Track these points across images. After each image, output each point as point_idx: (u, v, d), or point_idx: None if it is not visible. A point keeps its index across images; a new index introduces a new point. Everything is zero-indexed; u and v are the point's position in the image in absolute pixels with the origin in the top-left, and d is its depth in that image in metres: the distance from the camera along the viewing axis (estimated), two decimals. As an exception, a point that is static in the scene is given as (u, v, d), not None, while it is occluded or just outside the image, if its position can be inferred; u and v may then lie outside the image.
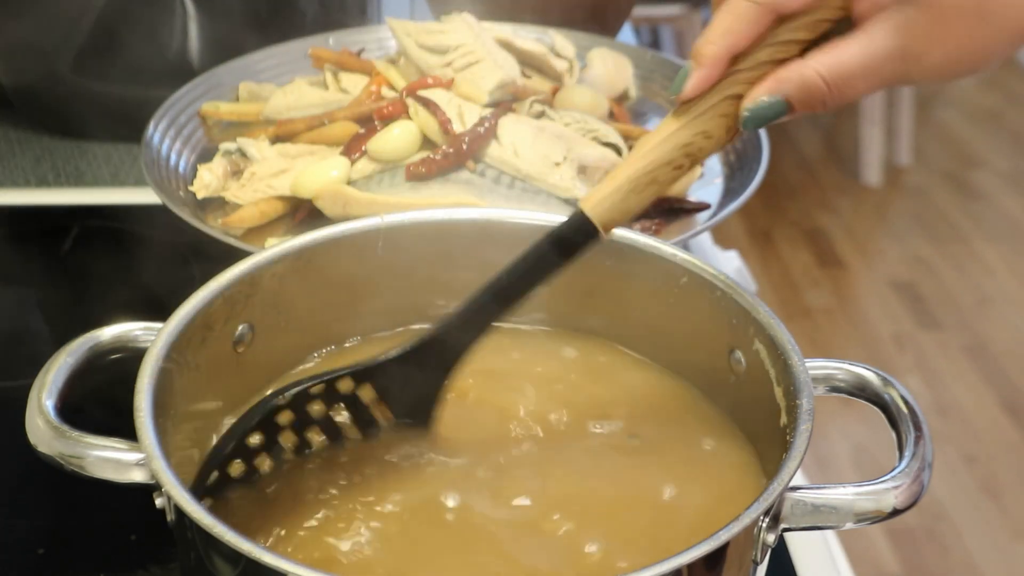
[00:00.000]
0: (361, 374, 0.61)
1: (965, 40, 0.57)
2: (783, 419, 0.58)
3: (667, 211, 0.89)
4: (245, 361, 0.66)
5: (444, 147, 0.86)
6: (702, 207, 0.90)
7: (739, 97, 0.58)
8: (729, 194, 0.91)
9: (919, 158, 3.40)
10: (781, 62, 0.58)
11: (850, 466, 2.31)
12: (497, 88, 0.93)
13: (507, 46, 0.99)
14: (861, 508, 0.54)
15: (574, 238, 0.60)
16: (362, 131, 0.89)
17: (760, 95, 0.57)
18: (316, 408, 0.61)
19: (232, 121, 0.99)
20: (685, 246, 0.77)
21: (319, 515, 0.59)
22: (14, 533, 0.72)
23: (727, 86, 0.58)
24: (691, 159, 0.59)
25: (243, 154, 0.91)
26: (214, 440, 0.64)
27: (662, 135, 0.59)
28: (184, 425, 0.61)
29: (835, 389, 0.61)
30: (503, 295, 0.61)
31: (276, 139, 0.93)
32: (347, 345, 0.71)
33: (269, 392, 0.62)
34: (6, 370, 0.84)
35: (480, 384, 0.68)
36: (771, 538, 0.53)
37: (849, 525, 0.54)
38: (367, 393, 0.62)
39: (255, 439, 0.59)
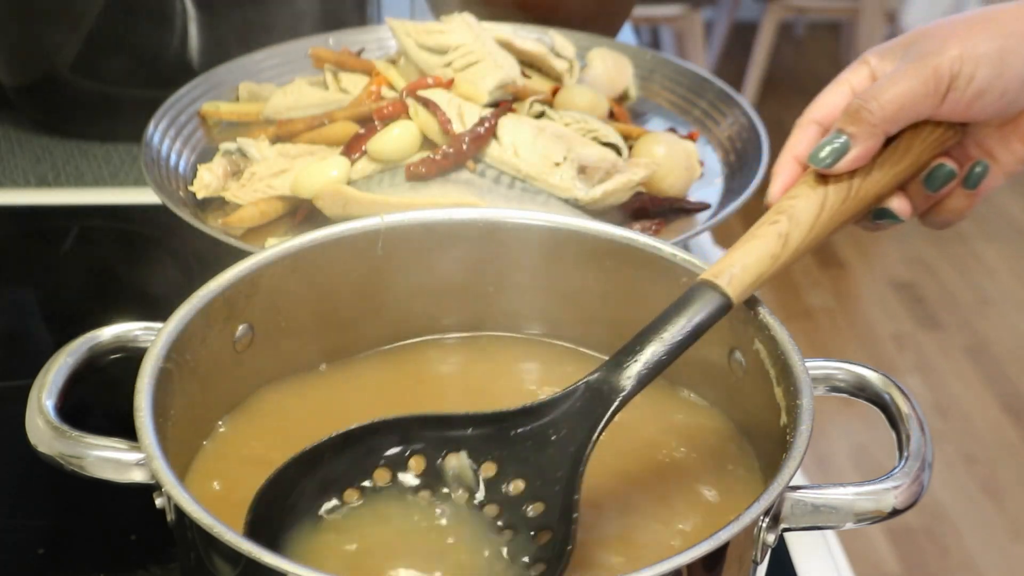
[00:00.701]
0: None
1: None
2: (783, 419, 0.58)
3: (667, 211, 0.89)
4: (245, 361, 0.66)
5: (444, 147, 0.86)
6: (702, 207, 0.90)
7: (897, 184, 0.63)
8: (729, 194, 0.91)
9: (919, 158, 3.40)
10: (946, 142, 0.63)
11: (850, 466, 2.31)
12: (497, 88, 0.93)
13: (507, 46, 0.99)
14: (861, 508, 0.54)
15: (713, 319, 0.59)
16: (362, 131, 0.89)
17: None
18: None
19: (232, 121, 0.99)
20: (685, 246, 0.77)
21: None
22: (14, 533, 0.72)
23: (893, 160, 0.62)
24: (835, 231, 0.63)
25: (243, 154, 0.91)
26: (212, 441, 0.64)
27: (813, 214, 0.61)
28: (184, 425, 0.61)
29: (835, 389, 0.61)
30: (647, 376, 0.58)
31: (276, 139, 0.93)
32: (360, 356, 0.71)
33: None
34: (6, 370, 0.84)
35: (478, 381, 0.68)
36: (771, 538, 0.53)
37: (849, 525, 0.54)
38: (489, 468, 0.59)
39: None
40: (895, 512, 0.54)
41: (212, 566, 0.51)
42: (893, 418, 0.59)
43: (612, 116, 0.97)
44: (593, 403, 0.57)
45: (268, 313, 0.66)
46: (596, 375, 0.57)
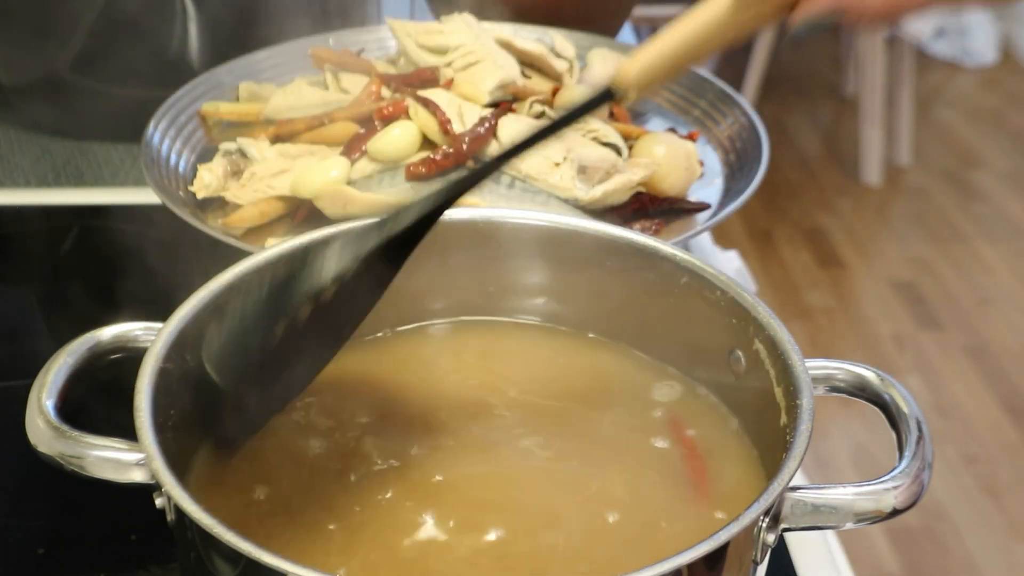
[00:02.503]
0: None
1: None
2: (783, 419, 0.58)
3: (667, 211, 0.89)
4: (245, 361, 0.66)
5: (444, 147, 0.86)
6: (702, 207, 0.90)
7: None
8: (729, 194, 0.91)
9: (919, 158, 3.40)
10: None
11: (850, 466, 2.31)
12: (497, 88, 0.93)
13: (507, 46, 0.99)
14: (861, 508, 0.54)
15: (602, 97, 0.60)
16: (362, 131, 0.89)
17: (816, 11, 0.59)
18: None
19: (232, 121, 0.99)
20: (685, 246, 0.77)
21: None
22: (14, 533, 0.72)
23: None
24: (731, 44, 0.61)
25: (243, 154, 0.91)
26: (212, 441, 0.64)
27: (714, 17, 0.59)
28: (184, 425, 0.61)
29: (835, 389, 0.61)
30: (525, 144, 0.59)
31: (276, 139, 0.93)
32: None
33: None
34: (6, 370, 0.84)
35: (477, 379, 0.68)
36: (771, 538, 0.53)
37: (849, 525, 0.54)
38: None
39: None
40: (895, 512, 0.54)
41: (212, 566, 0.51)
42: (893, 418, 0.59)
43: (612, 116, 0.97)
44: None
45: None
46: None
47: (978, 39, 3.86)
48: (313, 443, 0.64)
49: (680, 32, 0.60)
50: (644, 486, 0.62)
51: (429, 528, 0.58)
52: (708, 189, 0.92)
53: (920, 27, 3.23)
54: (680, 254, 0.67)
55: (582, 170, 0.87)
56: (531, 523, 0.59)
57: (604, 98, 0.60)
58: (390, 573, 0.56)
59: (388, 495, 0.60)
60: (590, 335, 0.72)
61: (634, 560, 0.50)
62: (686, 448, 0.64)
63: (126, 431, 0.54)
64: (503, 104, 0.92)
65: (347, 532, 0.58)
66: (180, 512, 0.51)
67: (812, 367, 0.60)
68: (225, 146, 0.93)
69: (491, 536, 0.58)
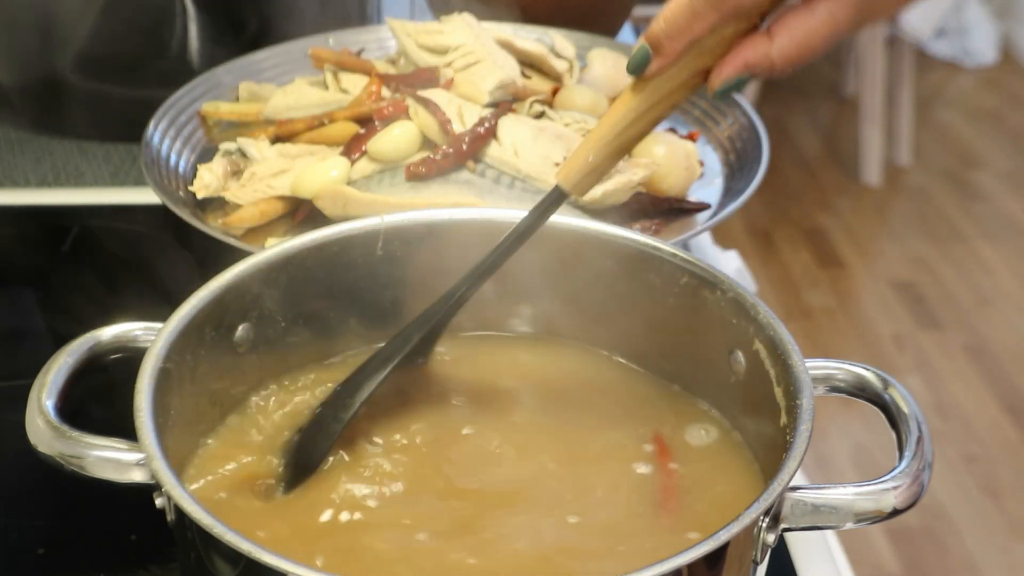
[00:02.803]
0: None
1: None
2: (783, 419, 0.58)
3: (667, 211, 0.89)
4: (245, 361, 0.66)
5: (444, 147, 0.86)
6: (702, 207, 0.90)
7: (704, 71, 0.61)
8: (729, 194, 0.91)
9: (919, 158, 3.40)
10: (743, 32, 0.60)
11: (850, 466, 2.31)
12: (497, 88, 0.93)
13: (507, 46, 0.99)
14: (861, 508, 0.54)
15: (551, 208, 0.64)
16: (362, 131, 0.89)
17: (728, 75, 0.60)
18: None
19: (232, 121, 0.99)
20: (685, 246, 0.77)
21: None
22: (14, 533, 0.72)
23: (692, 61, 0.61)
24: (654, 126, 0.64)
25: (243, 154, 0.91)
26: (212, 441, 0.64)
27: (630, 111, 0.62)
28: (184, 425, 0.61)
29: (835, 389, 0.61)
30: (489, 270, 0.65)
31: (276, 139, 0.93)
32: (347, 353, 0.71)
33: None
34: (6, 370, 0.84)
35: (478, 375, 0.68)
36: (771, 538, 0.53)
37: (849, 525, 0.54)
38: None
39: None
40: (895, 512, 0.54)
41: (212, 566, 0.51)
42: (893, 418, 0.59)
43: (612, 116, 0.97)
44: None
45: (268, 313, 0.66)
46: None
47: (978, 39, 3.86)
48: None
49: (603, 130, 0.63)
50: (618, 501, 0.62)
51: (415, 537, 0.58)
52: (708, 189, 0.92)
53: (920, 27, 3.23)
54: (680, 254, 0.66)
55: (582, 170, 0.86)
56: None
57: (557, 200, 0.64)
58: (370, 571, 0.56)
59: (377, 502, 0.60)
60: (589, 335, 0.72)
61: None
62: (664, 473, 0.64)
63: (126, 431, 0.54)
64: (503, 104, 0.92)
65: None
66: (180, 512, 0.51)
67: (812, 367, 0.60)
68: (225, 146, 0.93)
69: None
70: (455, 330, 0.72)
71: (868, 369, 0.61)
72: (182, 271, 0.92)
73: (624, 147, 0.63)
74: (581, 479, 0.62)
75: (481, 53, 0.95)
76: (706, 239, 1.12)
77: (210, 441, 0.64)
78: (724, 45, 0.61)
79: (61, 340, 0.60)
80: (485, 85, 0.92)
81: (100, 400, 0.64)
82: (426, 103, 0.88)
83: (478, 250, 0.69)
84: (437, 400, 0.68)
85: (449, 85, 0.92)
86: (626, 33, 1.31)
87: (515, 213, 0.70)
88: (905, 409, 0.58)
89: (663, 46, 0.60)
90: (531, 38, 1.04)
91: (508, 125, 0.88)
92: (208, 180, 0.88)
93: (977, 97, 3.75)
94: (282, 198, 0.87)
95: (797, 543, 0.75)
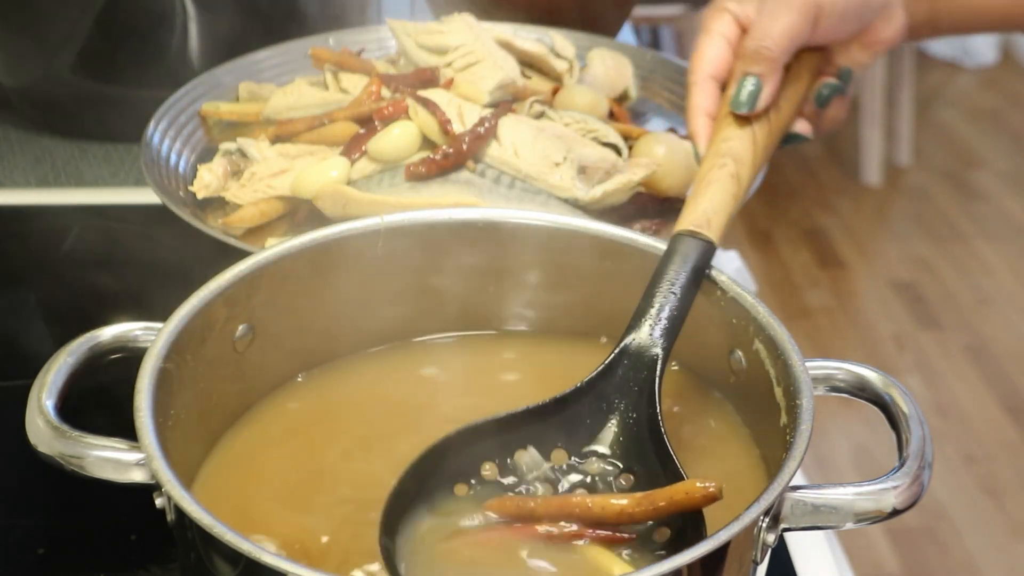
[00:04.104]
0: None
1: None
2: (783, 419, 0.58)
3: (667, 211, 0.89)
4: (245, 361, 0.66)
5: (444, 147, 0.86)
6: (702, 207, 0.90)
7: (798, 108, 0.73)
8: (729, 194, 0.90)
9: (919, 158, 3.40)
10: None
11: (850, 466, 2.31)
12: (497, 88, 0.93)
13: (507, 46, 0.99)
14: (861, 508, 0.54)
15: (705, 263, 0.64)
16: (362, 131, 0.89)
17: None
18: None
19: (232, 121, 0.99)
20: (685, 246, 0.77)
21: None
22: (14, 533, 0.72)
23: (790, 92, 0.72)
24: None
25: (243, 154, 0.91)
26: (213, 440, 0.64)
27: (751, 151, 0.68)
28: (184, 425, 0.61)
29: (835, 389, 0.61)
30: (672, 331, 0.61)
31: (276, 139, 0.93)
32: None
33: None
34: (6, 370, 0.84)
35: (481, 378, 0.68)
36: (771, 538, 0.53)
37: (849, 525, 0.54)
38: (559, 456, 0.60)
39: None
40: (895, 512, 0.54)
41: (212, 566, 0.51)
42: (893, 418, 0.59)
43: (612, 116, 0.97)
44: (637, 370, 0.60)
45: (268, 313, 0.66)
46: (628, 343, 0.61)
47: (978, 39, 3.85)
48: (307, 455, 0.64)
49: (740, 190, 0.67)
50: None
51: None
52: (708, 189, 0.92)
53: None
54: (680, 254, 0.66)
55: (582, 170, 0.87)
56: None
57: (710, 256, 0.64)
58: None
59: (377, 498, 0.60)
60: (588, 334, 0.72)
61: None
62: None
63: (126, 431, 0.54)
64: (503, 104, 0.92)
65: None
66: (180, 512, 0.51)
67: (812, 367, 0.60)
68: (225, 146, 0.92)
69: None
70: (456, 328, 0.72)
71: (868, 369, 0.61)
72: (182, 271, 0.92)
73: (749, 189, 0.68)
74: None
75: (481, 53, 0.95)
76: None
77: (210, 441, 0.64)
78: (812, 73, 0.72)
79: (61, 340, 0.60)
80: (485, 85, 0.92)
81: (100, 400, 0.64)
82: (426, 103, 0.88)
83: (478, 250, 0.69)
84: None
85: (449, 85, 0.92)
86: (626, 33, 1.31)
87: (515, 213, 0.70)
88: (905, 409, 0.58)
89: (771, 59, 0.69)
90: (531, 38, 1.04)
91: (508, 125, 0.88)
92: (208, 180, 0.88)
93: (977, 97, 3.75)
94: (282, 198, 0.87)
95: (797, 543, 0.75)
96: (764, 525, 0.53)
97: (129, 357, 0.60)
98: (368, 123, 0.90)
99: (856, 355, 2.53)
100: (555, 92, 0.97)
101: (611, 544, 0.55)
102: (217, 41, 1.10)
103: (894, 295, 2.84)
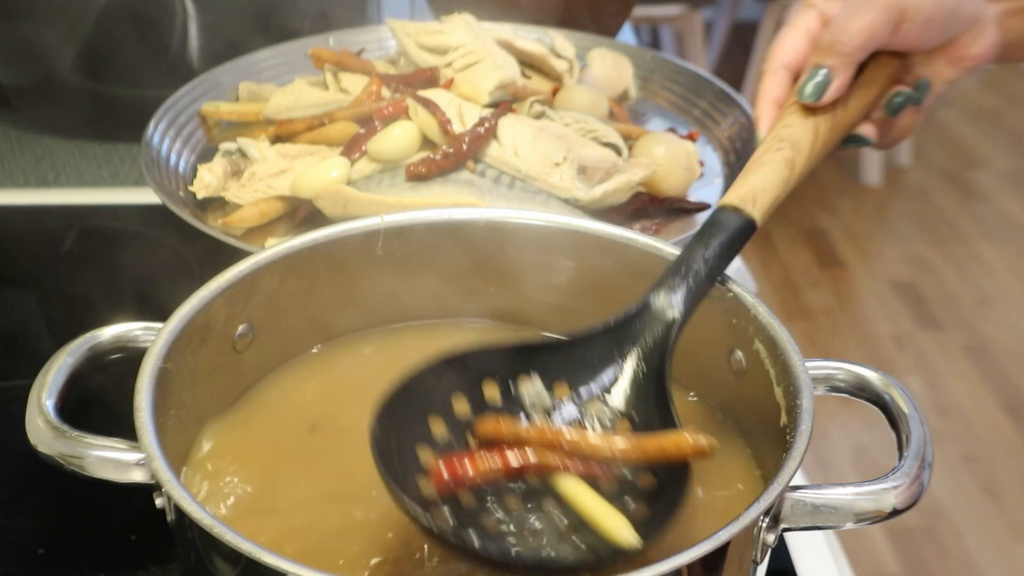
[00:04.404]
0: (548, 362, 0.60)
1: None
2: (783, 419, 0.58)
3: (667, 211, 0.89)
4: (245, 361, 0.66)
5: (444, 147, 0.86)
6: (702, 207, 0.90)
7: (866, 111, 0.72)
8: (729, 194, 0.91)
9: (919, 158, 3.40)
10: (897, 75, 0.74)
11: (850, 466, 2.31)
12: (497, 88, 0.93)
13: (507, 46, 0.99)
14: (861, 508, 0.54)
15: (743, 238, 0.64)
16: (362, 131, 0.89)
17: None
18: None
19: (232, 121, 0.99)
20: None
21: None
22: (14, 533, 0.72)
23: (862, 92, 0.71)
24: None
25: (243, 154, 0.91)
26: (212, 440, 0.64)
27: (810, 141, 0.68)
28: (184, 425, 0.61)
29: (835, 389, 0.61)
30: (696, 297, 0.62)
31: (276, 139, 0.93)
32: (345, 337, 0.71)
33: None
34: (6, 370, 0.84)
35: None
36: (771, 538, 0.53)
37: (849, 525, 0.54)
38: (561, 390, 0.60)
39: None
40: (895, 512, 0.54)
41: (212, 566, 0.51)
42: (893, 418, 0.59)
43: (612, 116, 0.97)
44: (655, 326, 0.61)
45: (268, 313, 0.66)
46: (651, 299, 0.61)
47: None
48: (304, 442, 0.64)
49: (792, 174, 0.67)
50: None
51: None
52: (708, 189, 0.92)
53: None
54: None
55: (582, 170, 0.87)
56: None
57: (749, 232, 0.64)
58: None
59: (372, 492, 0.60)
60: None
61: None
62: None
63: (126, 431, 0.54)
64: (503, 104, 0.92)
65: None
66: (180, 512, 0.51)
67: (812, 367, 0.60)
68: (225, 146, 0.93)
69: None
70: (461, 319, 0.72)
71: (868, 369, 0.61)
72: (182, 271, 0.92)
73: (802, 177, 0.68)
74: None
75: (481, 53, 0.95)
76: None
77: (210, 441, 0.64)
78: (888, 79, 0.71)
79: (61, 340, 0.60)
80: (485, 85, 0.92)
81: (100, 400, 0.64)
82: (426, 103, 0.88)
83: (478, 250, 0.69)
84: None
85: (449, 85, 0.92)
86: (626, 33, 1.31)
87: (515, 213, 0.70)
88: (905, 409, 0.58)
89: (844, 54, 0.68)
90: (531, 38, 1.04)
91: (508, 125, 0.88)
92: (208, 180, 0.88)
93: (977, 97, 3.75)
94: (282, 198, 0.87)
95: (797, 543, 0.75)
96: (764, 525, 0.53)
97: (129, 357, 0.60)
98: (368, 123, 0.90)
99: (856, 355, 2.53)
100: (555, 92, 0.97)
101: (592, 480, 0.56)
102: (217, 41, 1.10)
103: (894, 295, 2.84)
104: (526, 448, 0.55)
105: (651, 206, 0.88)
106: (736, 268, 1.12)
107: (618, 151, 0.90)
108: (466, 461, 0.55)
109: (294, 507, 0.60)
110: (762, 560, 0.55)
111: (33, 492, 0.75)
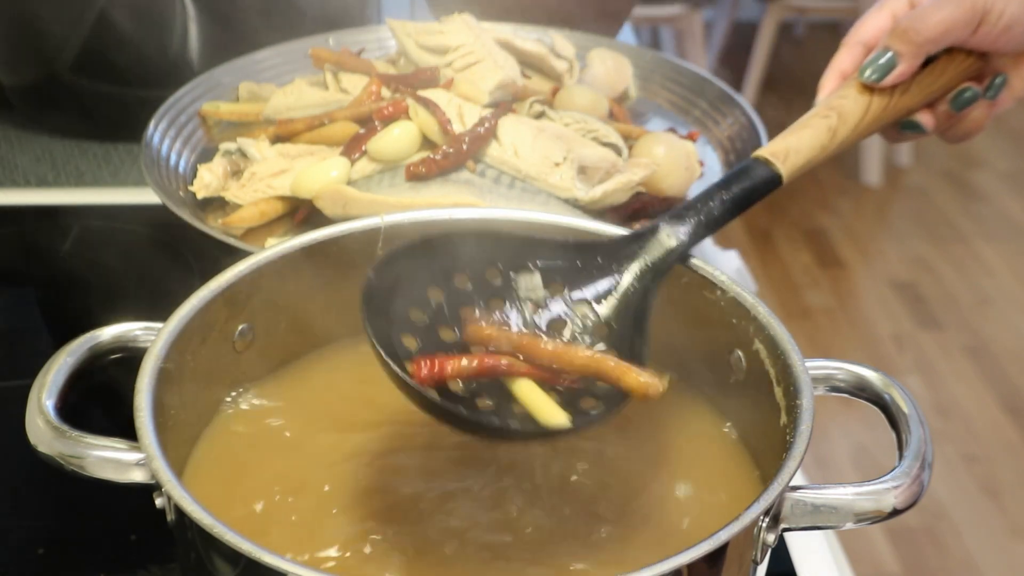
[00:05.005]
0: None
1: None
2: (783, 419, 0.58)
3: (667, 211, 0.89)
4: (245, 361, 0.66)
5: (444, 147, 0.86)
6: (702, 207, 0.90)
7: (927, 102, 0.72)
8: (729, 194, 0.90)
9: (919, 158, 3.40)
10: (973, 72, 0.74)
11: (850, 466, 2.31)
12: (497, 88, 0.93)
13: (507, 46, 0.99)
14: (861, 508, 0.54)
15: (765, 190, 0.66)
16: (362, 131, 0.89)
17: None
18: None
19: (232, 121, 0.99)
20: (685, 246, 0.77)
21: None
22: (14, 533, 0.72)
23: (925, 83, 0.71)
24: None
25: (243, 154, 0.91)
26: (212, 440, 0.64)
27: (858, 116, 0.69)
28: (184, 425, 0.61)
29: (835, 389, 0.61)
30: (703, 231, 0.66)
31: (276, 139, 0.93)
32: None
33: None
34: (6, 370, 0.84)
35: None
36: (771, 538, 0.53)
37: (849, 525, 0.54)
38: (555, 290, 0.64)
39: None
40: (895, 512, 0.54)
41: (212, 566, 0.51)
42: (893, 418, 0.59)
43: (612, 116, 0.97)
44: (655, 249, 0.65)
45: (268, 313, 0.66)
46: (660, 224, 0.65)
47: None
48: (310, 443, 0.64)
49: (833, 141, 0.68)
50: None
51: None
52: (708, 189, 0.92)
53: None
54: (680, 254, 0.66)
55: (582, 170, 0.87)
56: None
57: (772, 185, 0.67)
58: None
59: (378, 493, 0.60)
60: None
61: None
62: None
63: (126, 431, 0.54)
64: (503, 104, 0.92)
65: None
66: (180, 512, 0.50)
67: (812, 367, 0.60)
68: (225, 146, 0.93)
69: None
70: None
71: (868, 369, 0.61)
72: (182, 271, 0.92)
73: (841, 149, 0.69)
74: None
75: (481, 53, 0.95)
76: (706, 239, 1.12)
77: (210, 441, 0.64)
78: (959, 75, 0.72)
79: (61, 340, 0.60)
80: (485, 85, 0.92)
81: (100, 400, 0.64)
82: (426, 103, 0.88)
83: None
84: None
85: (449, 85, 0.92)
86: (626, 33, 1.31)
87: (515, 213, 0.70)
88: (905, 409, 0.58)
89: (916, 43, 0.69)
90: (531, 38, 1.04)
91: (508, 125, 0.88)
92: (208, 180, 0.88)
93: (977, 97, 3.75)
94: (282, 198, 0.87)
95: (797, 543, 0.75)
96: (764, 525, 0.53)
97: (129, 357, 0.60)
98: (368, 123, 0.90)
99: (856, 355, 2.53)
100: (555, 92, 0.97)
101: (547, 385, 0.59)
102: (217, 41, 1.10)
103: (894, 295, 2.84)
104: (499, 353, 0.59)
105: (651, 206, 0.88)
106: (736, 268, 1.12)
107: (618, 151, 0.90)
108: (444, 362, 0.58)
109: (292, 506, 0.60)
110: (762, 560, 0.55)
111: (33, 492, 0.75)
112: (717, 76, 1.03)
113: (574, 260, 0.64)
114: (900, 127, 0.74)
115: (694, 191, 0.92)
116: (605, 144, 0.90)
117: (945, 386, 2.53)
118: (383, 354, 0.55)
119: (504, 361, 0.58)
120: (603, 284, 0.64)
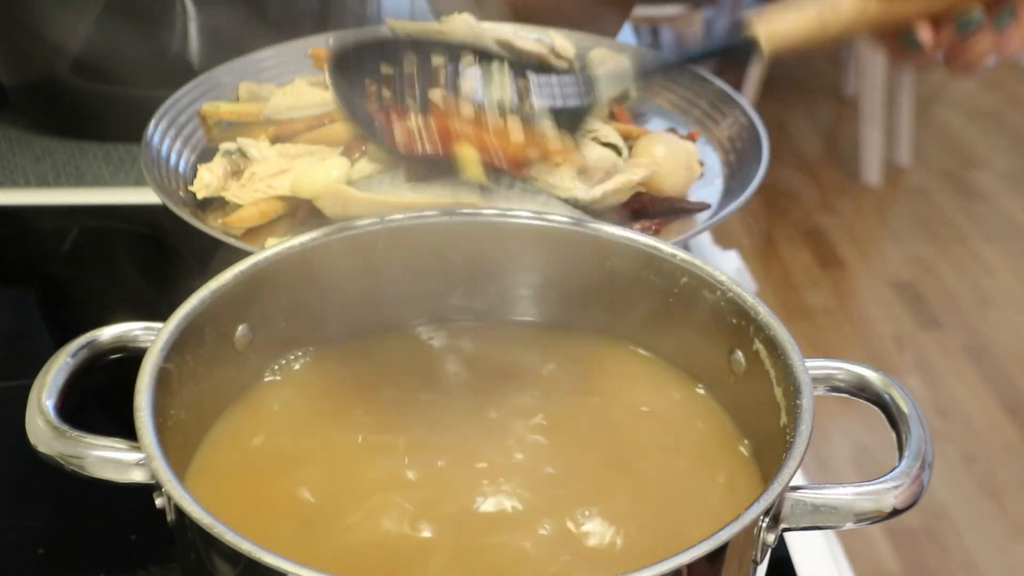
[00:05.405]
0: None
1: None
2: (783, 419, 0.58)
3: (667, 211, 0.89)
4: (245, 361, 0.66)
5: (444, 147, 0.86)
6: (702, 207, 0.90)
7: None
8: (729, 194, 0.91)
9: (919, 158, 3.40)
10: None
11: (850, 466, 2.31)
12: (497, 88, 0.92)
13: (507, 46, 0.99)
14: (861, 508, 0.54)
15: (743, 49, 0.70)
16: (362, 131, 0.89)
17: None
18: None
19: (232, 121, 0.99)
20: (685, 246, 0.77)
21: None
22: (14, 533, 0.72)
23: None
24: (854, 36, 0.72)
25: (243, 154, 0.91)
26: (212, 440, 0.64)
27: (855, 9, 0.69)
28: (184, 425, 0.61)
29: (835, 389, 0.61)
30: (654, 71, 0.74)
31: (276, 139, 0.93)
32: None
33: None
34: (6, 370, 0.84)
35: (482, 376, 0.68)
36: (771, 538, 0.53)
37: (849, 525, 0.54)
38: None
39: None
40: (895, 512, 0.54)
41: (212, 566, 0.51)
42: (893, 418, 0.59)
43: (612, 116, 0.97)
44: (615, 78, 0.76)
45: (268, 313, 0.66)
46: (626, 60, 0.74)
47: (978, 39, 3.85)
48: (308, 443, 0.64)
49: (822, 18, 0.69)
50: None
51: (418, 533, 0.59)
52: (708, 189, 0.92)
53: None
54: (680, 254, 0.67)
55: (582, 170, 0.86)
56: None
57: (744, 47, 0.69)
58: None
59: (381, 493, 0.60)
60: (589, 335, 0.72)
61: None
62: None
63: (126, 431, 0.54)
64: (503, 104, 0.92)
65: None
66: (180, 512, 0.51)
67: (812, 367, 0.60)
68: (225, 146, 0.92)
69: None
70: (462, 318, 0.73)
71: (868, 369, 0.61)
72: (182, 271, 0.92)
73: (831, 39, 0.69)
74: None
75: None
76: (706, 239, 1.12)
77: (210, 440, 0.64)
78: None
79: (61, 340, 0.60)
80: (485, 85, 0.92)
81: (100, 400, 0.64)
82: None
83: (478, 250, 0.69)
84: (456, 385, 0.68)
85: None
86: (626, 33, 1.31)
87: (515, 213, 0.70)
88: (905, 409, 0.58)
89: None
90: (531, 38, 1.03)
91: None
92: (208, 180, 0.88)
93: (977, 97, 3.75)
94: (282, 198, 0.87)
95: (797, 543, 0.75)
96: (764, 525, 0.53)
97: (129, 357, 0.60)
98: (368, 123, 0.90)
99: (856, 355, 2.53)
100: (555, 92, 0.97)
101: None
102: (217, 41, 1.10)
103: (894, 295, 2.84)
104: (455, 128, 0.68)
105: (651, 206, 0.88)
106: (736, 268, 1.12)
107: (618, 151, 0.90)
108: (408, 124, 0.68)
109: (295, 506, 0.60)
110: (762, 560, 0.55)
111: (33, 492, 0.75)
112: (717, 76, 1.03)
113: (543, 70, 0.74)
114: (902, 43, 0.73)
115: (694, 191, 0.92)
116: (605, 144, 0.90)
117: (945, 386, 2.53)
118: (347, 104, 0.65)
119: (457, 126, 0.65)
120: (562, 91, 0.74)
